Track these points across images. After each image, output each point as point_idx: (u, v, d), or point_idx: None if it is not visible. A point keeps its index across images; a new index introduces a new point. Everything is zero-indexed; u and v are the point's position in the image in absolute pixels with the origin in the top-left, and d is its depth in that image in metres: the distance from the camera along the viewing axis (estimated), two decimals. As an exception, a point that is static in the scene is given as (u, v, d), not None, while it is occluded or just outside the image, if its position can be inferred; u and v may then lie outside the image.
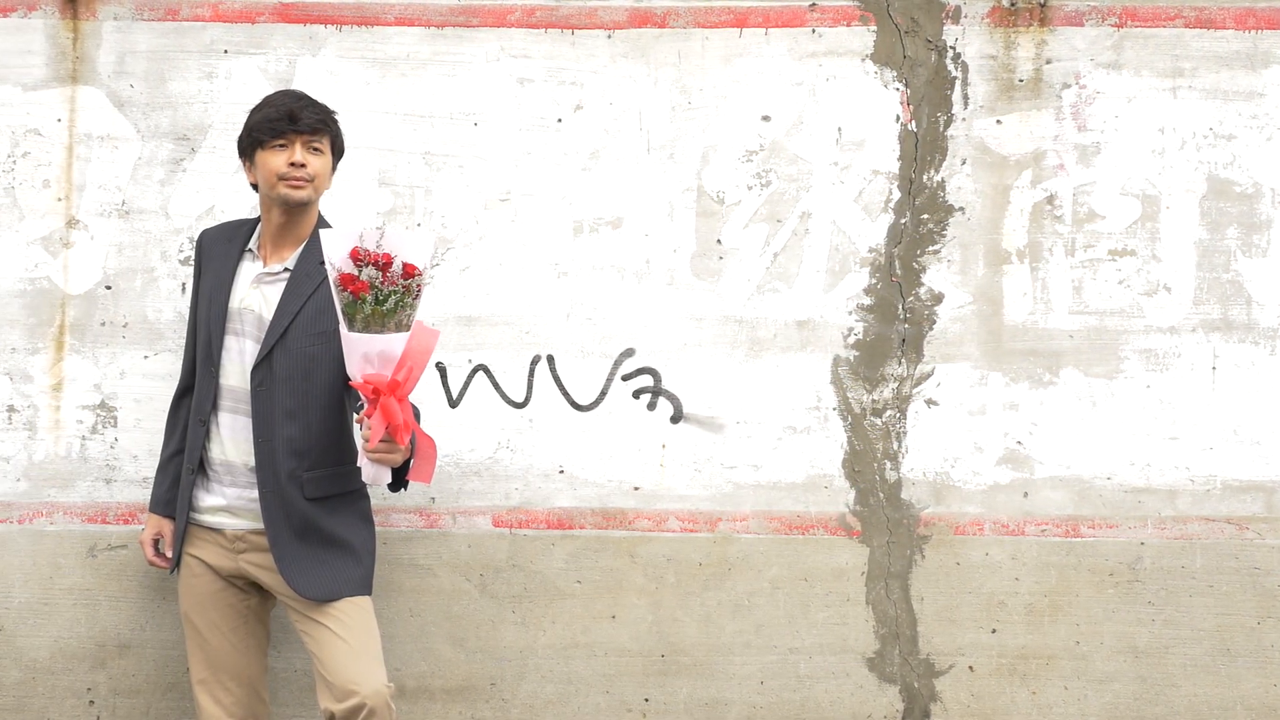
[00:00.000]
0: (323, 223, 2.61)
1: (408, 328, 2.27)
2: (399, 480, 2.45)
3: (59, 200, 3.04)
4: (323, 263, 2.36)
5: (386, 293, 2.23)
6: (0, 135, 3.03)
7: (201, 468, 2.56)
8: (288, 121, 2.47)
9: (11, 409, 3.02)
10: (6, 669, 3.02)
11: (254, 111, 2.55)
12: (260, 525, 2.51)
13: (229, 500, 2.55)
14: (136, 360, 3.02)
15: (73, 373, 3.03)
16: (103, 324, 3.03)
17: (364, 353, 2.26)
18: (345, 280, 2.24)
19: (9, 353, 3.03)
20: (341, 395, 2.55)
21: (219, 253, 2.62)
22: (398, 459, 2.36)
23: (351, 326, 2.26)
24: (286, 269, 2.54)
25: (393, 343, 2.25)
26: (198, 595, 2.58)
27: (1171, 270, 3.05)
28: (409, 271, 2.26)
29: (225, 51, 3.05)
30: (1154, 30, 3.06)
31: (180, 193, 3.03)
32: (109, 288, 3.03)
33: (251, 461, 2.51)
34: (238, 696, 2.59)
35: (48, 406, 3.02)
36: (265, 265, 2.57)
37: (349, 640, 2.48)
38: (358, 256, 2.25)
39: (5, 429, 3.02)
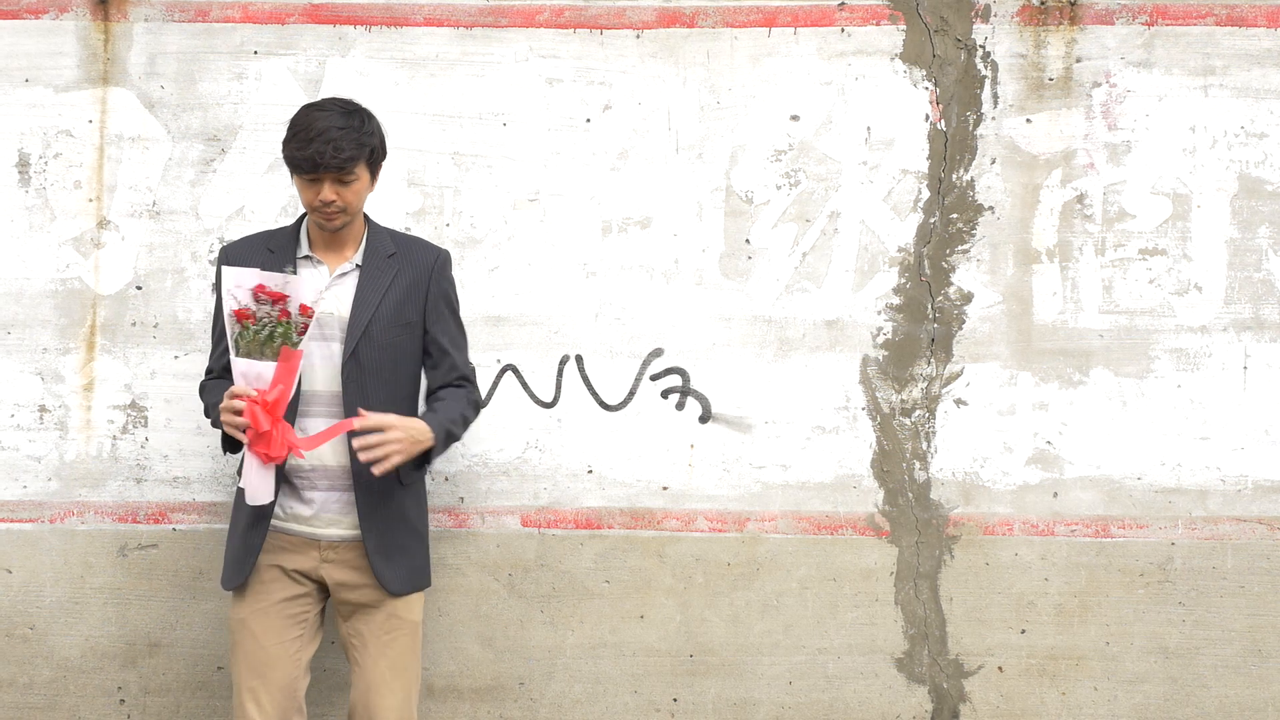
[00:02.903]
0: (369, 219, 2.60)
1: (274, 357, 2.40)
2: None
3: (90, 201, 3.05)
4: (392, 255, 2.55)
5: (266, 326, 2.39)
6: (32, 136, 3.05)
7: (283, 476, 2.54)
8: (310, 166, 2.41)
9: (43, 409, 3.04)
10: (38, 667, 3.04)
11: (288, 133, 2.46)
12: (344, 532, 2.52)
13: (317, 507, 2.53)
14: (167, 360, 3.04)
15: (104, 373, 3.04)
16: (133, 324, 3.04)
17: (242, 372, 2.39)
18: (240, 315, 2.39)
19: (40, 353, 3.04)
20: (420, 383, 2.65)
21: (258, 264, 2.55)
22: (397, 459, 2.42)
23: (236, 352, 2.40)
24: (356, 265, 2.55)
25: (266, 368, 2.39)
26: (266, 602, 2.53)
27: (1202, 269, 3.04)
28: (285, 309, 2.41)
29: (255, 52, 3.06)
30: (1185, 28, 3.05)
31: (210, 193, 3.05)
32: (140, 288, 3.05)
33: (344, 460, 2.50)
34: (283, 707, 2.55)
35: (79, 406, 3.04)
36: (332, 270, 2.55)
37: (384, 670, 2.53)
38: (257, 293, 2.39)
39: (37, 429, 3.04)
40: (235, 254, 2.59)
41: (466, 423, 2.63)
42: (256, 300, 2.38)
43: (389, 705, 2.52)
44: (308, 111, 2.47)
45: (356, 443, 2.40)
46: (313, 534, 2.53)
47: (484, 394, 3.05)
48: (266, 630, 2.52)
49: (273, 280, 2.39)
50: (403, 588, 2.55)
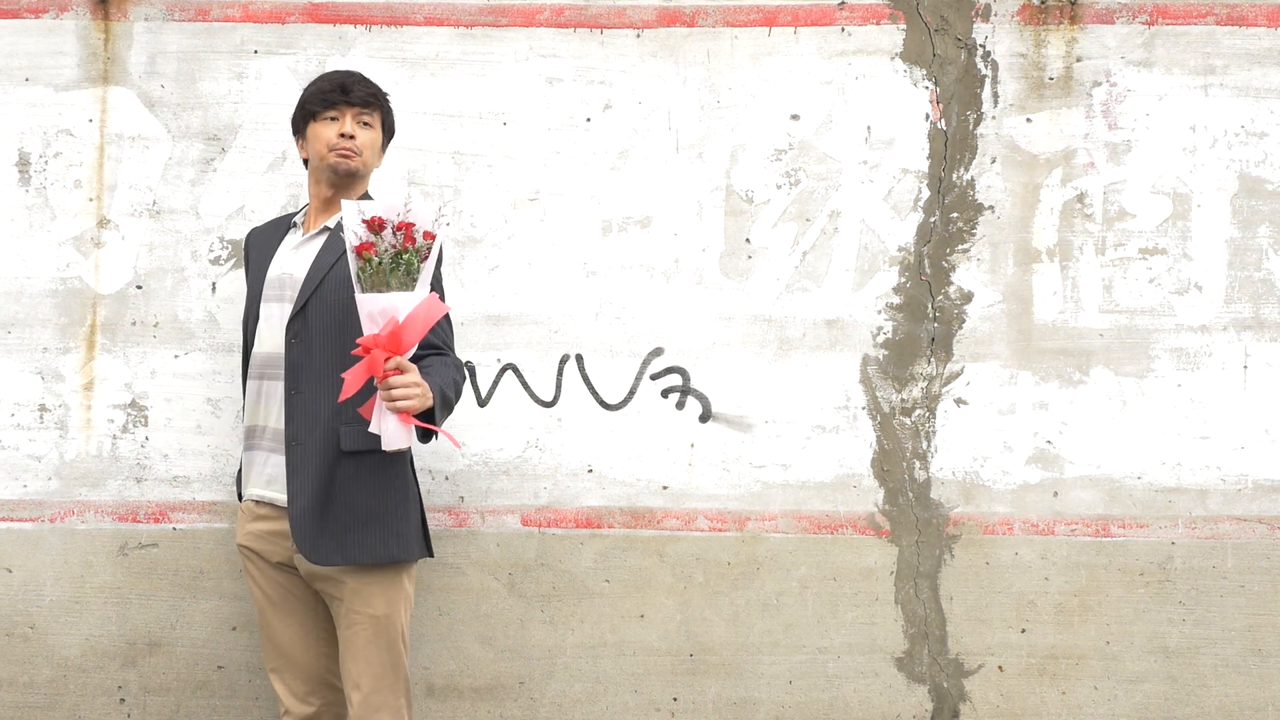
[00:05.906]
0: (367, 198, 2.55)
1: (410, 288, 2.24)
2: (424, 435, 2.38)
3: (90, 200, 3.05)
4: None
5: (391, 252, 2.23)
6: (32, 136, 3.05)
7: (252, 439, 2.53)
8: (339, 93, 2.50)
9: (43, 408, 3.04)
10: (39, 667, 3.04)
11: (307, 87, 2.57)
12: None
13: (271, 471, 2.47)
14: (167, 359, 3.04)
15: (104, 372, 3.04)
16: (133, 323, 3.04)
17: (369, 311, 2.24)
18: (361, 248, 2.24)
19: (40, 352, 3.04)
20: None
21: (264, 240, 2.61)
22: (406, 403, 2.23)
23: (361, 289, 2.25)
24: (326, 228, 2.51)
25: (395, 300, 2.23)
26: (264, 581, 2.54)
27: (1202, 269, 3.04)
28: (410, 235, 2.25)
29: (255, 52, 3.06)
30: (1185, 28, 3.05)
31: (211, 192, 3.05)
32: (140, 287, 3.05)
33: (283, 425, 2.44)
34: (311, 687, 2.53)
35: (79, 406, 3.04)
36: (306, 232, 2.55)
37: (348, 664, 2.45)
38: (374, 224, 2.24)
39: (37, 428, 3.04)
40: (256, 232, 2.67)
41: (458, 389, 2.45)
42: (375, 232, 2.25)
43: (353, 700, 2.45)
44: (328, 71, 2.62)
45: (382, 381, 2.24)
46: (277, 499, 2.46)
47: (484, 393, 3.05)
48: (275, 615, 2.53)
49: (391, 210, 2.25)
50: (321, 558, 2.38)
